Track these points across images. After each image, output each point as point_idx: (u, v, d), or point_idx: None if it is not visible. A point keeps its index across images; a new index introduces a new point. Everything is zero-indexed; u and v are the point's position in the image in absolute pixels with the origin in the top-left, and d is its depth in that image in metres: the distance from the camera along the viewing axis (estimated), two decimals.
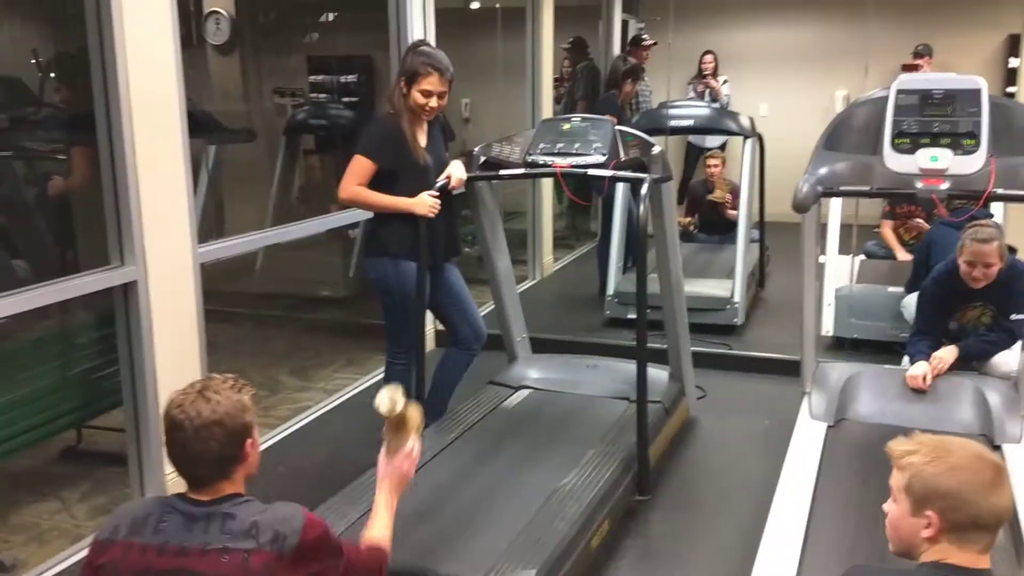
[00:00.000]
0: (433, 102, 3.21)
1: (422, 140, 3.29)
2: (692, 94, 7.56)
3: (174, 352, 3.18)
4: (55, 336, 3.66)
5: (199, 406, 1.68)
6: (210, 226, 5.45)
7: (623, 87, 5.59)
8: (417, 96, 3.20)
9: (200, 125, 5.39)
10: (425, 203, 3.22)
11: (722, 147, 7.39)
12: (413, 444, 2.10)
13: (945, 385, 3.43)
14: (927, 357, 3.48)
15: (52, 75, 4.40)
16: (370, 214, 3.39)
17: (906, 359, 3.67)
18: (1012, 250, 3.71)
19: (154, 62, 3.03)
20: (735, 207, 5.89)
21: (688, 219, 6.51)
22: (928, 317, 3.68)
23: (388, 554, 1.99)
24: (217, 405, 1.68)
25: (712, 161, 6.44)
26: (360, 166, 3.20)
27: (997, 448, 3.14)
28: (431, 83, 3.18)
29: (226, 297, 5.65)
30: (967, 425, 3.21)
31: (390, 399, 2.00)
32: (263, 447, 3.68)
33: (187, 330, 3.27)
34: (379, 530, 2.02)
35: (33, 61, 4.59)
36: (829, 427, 3.32)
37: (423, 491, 2.91)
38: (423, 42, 3.36)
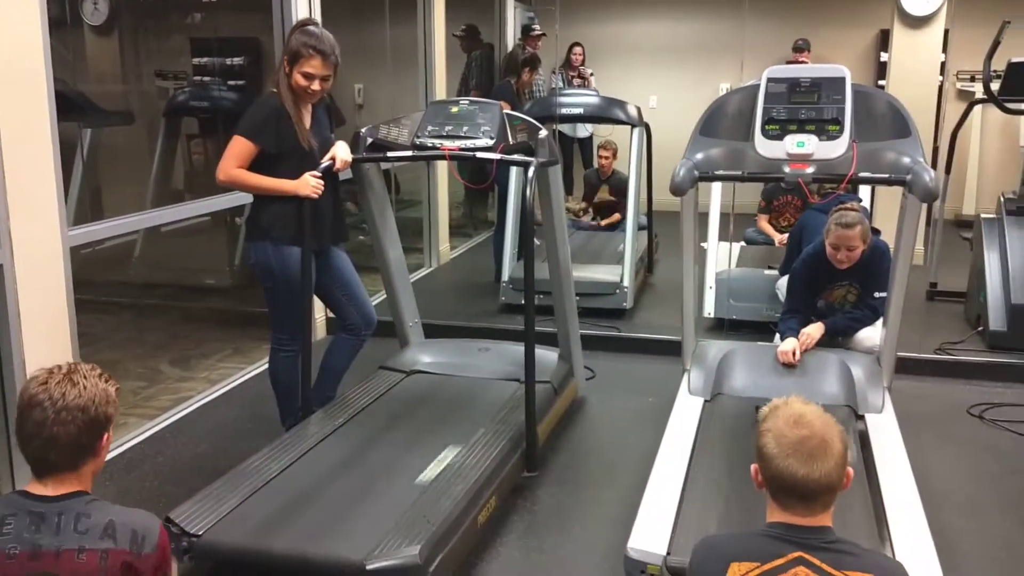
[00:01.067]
0: (315, 85, 3.15)
1: (307, 122, 3.24)
2: (559, 83, 7.66)
3: (43, 339, 3.04)
4: None
5: (65, 388, 1.63)
6: (85, 210, 5.20)
7: (521, 75, 5.64)
8: (299, 78, 3.13)
9: (74, 107, 5.16)
10: (308, 184, 3.16)
11: (590, 138, 7.56)
12: None
13: (813, 360, 3.62)
14: (796, 334, 3.66)
15: None
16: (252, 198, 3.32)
17: (778, 336, 3.86)
18: (876, 231, 3.95)
19: (19, 40, 2.89)
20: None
21: (580, 205, 6.65)
22: (798, 296, 3.88)
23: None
24: (84, 390, 1.64)
25: (604, 152, 6.58)
26: (240, 147, 3.12)
27: (861, 418, 3.34)
28: (313, 66, 3.12)
29: (103, 286, 5.44)
30: (833, 397, 3.40)
31: None
32: (143, 438, 3.64)
33: (57, 316, 3.12)
34: None
35: None
36: (706, 402, 3.46)
37: (309, 475, 2.89)
38: (310, 21, 3.28)
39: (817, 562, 1.52)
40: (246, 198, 3.45)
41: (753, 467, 1.68)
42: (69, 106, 3.56)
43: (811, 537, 1.57)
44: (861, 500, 2.70)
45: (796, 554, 1.52)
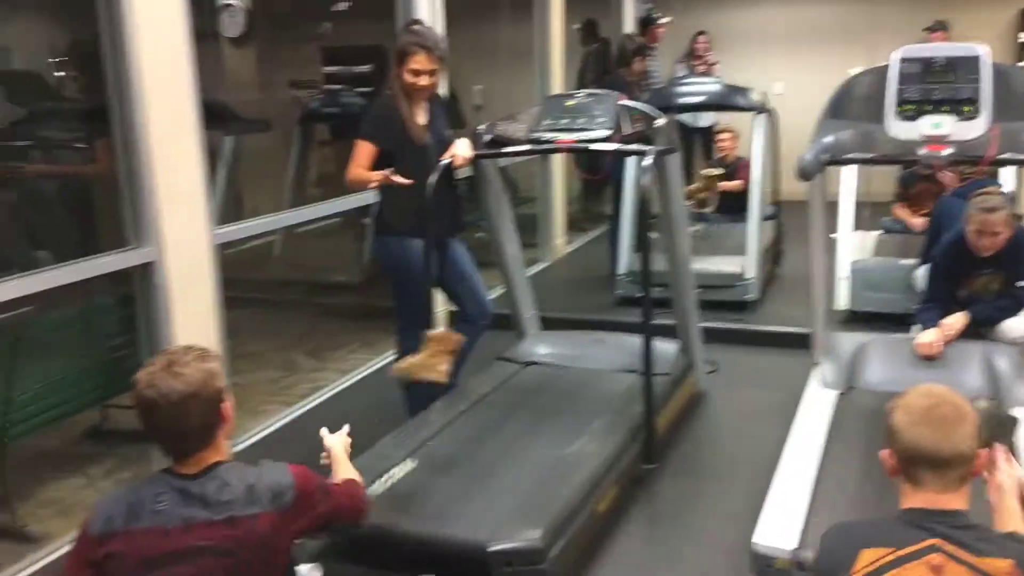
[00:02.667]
0: (423, 80, 3.25)
1: (421, 119, 3.34)
2: (683, 72, 7.52)
3: (193, 330, 3.26)
4: (78, 319, 3.77)
5: (170, 383, 1.65)
6: (228, 212, 5.55)
7: (631, 65, 5.60)
8: (407, 75, 3.25)
9: (216, 116, 5.50)
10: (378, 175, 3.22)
11: (711, 127, 7.38)
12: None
13: (954, 352, 3.43)
14: (936, 324, 3.48)
15: (68, 68, 4.51)
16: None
17: (917, 327, 3.68)
18: (1019, 218, 3.70)
19: (166, 54, 3.11)
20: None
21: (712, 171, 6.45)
22: (938, 285, 3.69)
23: (363, 485, 2.11)
24: (188, 378, 1.67)
25: (723, 136, 6.41)
26: (360, 149, 3.27)
27: None
28: (419, 62, 3.23)
29: (246, 284, 5.76)
30: (975, 390, 3.20)
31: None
32: (282, 423, 3.85)
33: (205, 309, 3.35)
34: (347, 471, 2.12)
35: (50, 58, 4.71)
36: (839, 395, 3.34)
37: (433, 460, 2.98)
38: (415, 21, 3.41)
39: (952, 548, 1.47)
40: (373, 197, 3.59)
41: (884, 452, 1.64)
42: (211, 115, 3.81)
43: (946, 521, 1.51)
44: None
45: (931, 541, 1.48)
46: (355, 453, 3.01)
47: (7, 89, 4.42)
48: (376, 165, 3.28)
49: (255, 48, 6.83)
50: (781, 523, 2.45)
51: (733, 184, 6.14)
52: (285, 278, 5.98)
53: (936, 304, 3.63)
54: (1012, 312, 3.58)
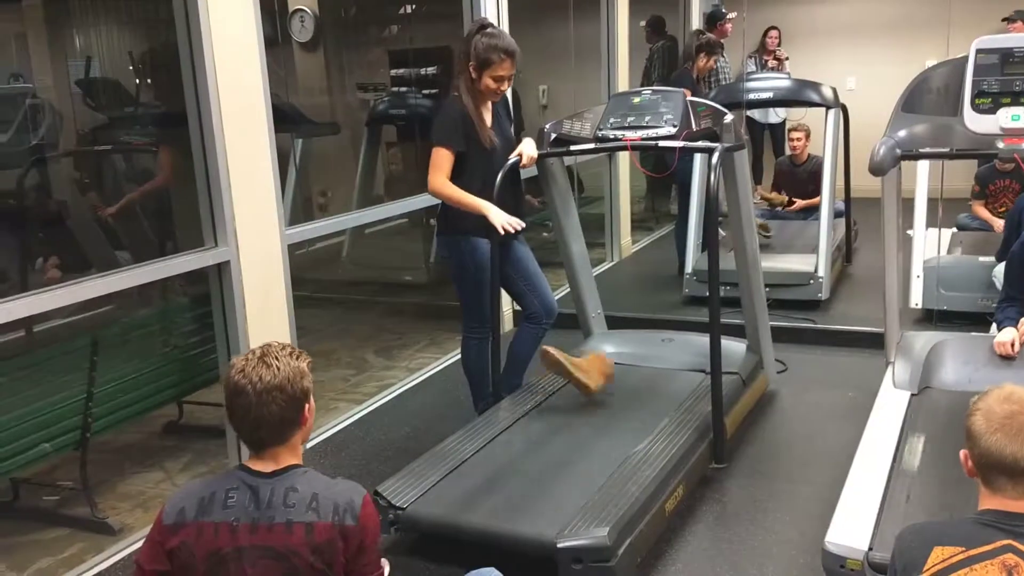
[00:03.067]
0: (504, 86, 3.28)
1: (488, 120, 3.37)
2: (753, 67, 7.40)
3: (266, 327, 3.35)
4: (158, 317, 3.92)
5: (260, 371, 1.71)
6: (298, 214, 5.68)
7: (697, 62, 5.54)
8: (489, 82, 3.25)
9: (287, 119, 5.65)
10: (499, 218, 3.21)
11: (782, 124, 7.23)
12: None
13: None
14: (1015, 323, 3.36)
15: (146, 76, 4.69)
16: None
17: (994, 326, 3.55)
18: None
19: (241, 60, 3.20)
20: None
21: (779, 197, 6.40)
22: (1016, 282, 3.55)
23: None
24: (278, 371, 1.72)
25: (795, 135, 6.30)
26: (439, 157, 3.27)
27: None
28: (504, 69, 3.24)
29: (316, 284, 5.92)
30: None
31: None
32: (351, 420, 3.93)
33: (278, 306, 3.44)
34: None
35: (130, 66, 4.90)
36: (912, 395, 3.25)
37: (501, 457, 3.01)
38: (487, 23, 3.41)
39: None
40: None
41: (963, 452, 1.61)
42: (282, 117, 3.92)
43: (1022, 524, 1.47)
44: None
45: (1005, 541, 1.45)
46: (423, 449, 3.10)
47: (89, 96, 4.62)
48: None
49: (324, 52, 6.97)
50: (853, 524, 2.40)
51: (811, 202, 6.08)
52: (354, 278, 6.09)
53: (1014, 302, 3.50)
54: None
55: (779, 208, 6.37)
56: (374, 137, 6.36)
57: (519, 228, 3.24)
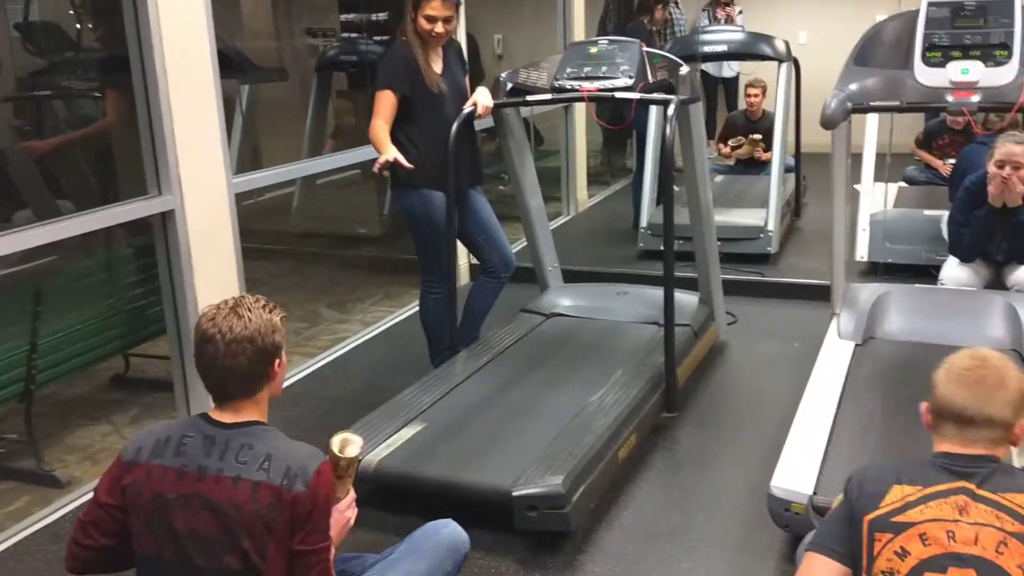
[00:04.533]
0: (439, 27, 3.21)
1: (436, 67, 3.31)
2: (705, 21, 7.40)
3: (213, 278, 3.29)
4: (102, 268, 3.81)
5: (231, 321, 1.68)
6: (246, 162, 5.55)
7: (653, 13, 5.50)
8: (422, 22, 3.20)
9: (233, 64, 5.47)
10: (388, 155, 3.16)
11: (735, 78, 7.24)
12: (351, 495, 1.91)
13: (976, 301, 3.42)
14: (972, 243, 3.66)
15: (88, 20, 4.50)
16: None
17: (941, 276, 3.68)
18: None
19: (184, 2, 3.09)
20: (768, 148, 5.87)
21: (734, 143, 6.39)
22: (968, 211, 3.70)
23: None
24: (249, 322, 1.68)
25: (752, 90, 6.33)
26: (383, 101, 3.23)
27: None
28: (434, 8, 3.18)
29: (266, 235, 5.80)
30: (998, 341, 3.21)
31: (341, 441, 1.83)
32: (305, 374, 3.89)
33: (225, 257, 3.38)
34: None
35: (71, 9, 4.69)
36: (857, 345, 3.35)
37: (458, 409, 3.02)
38: None
39: (977, 489, 1.50)
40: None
41: (923, 404, 1.65)
42: (228, 63, 3.79)
43: (973, 466, 1.53)
44: None
45: (959, 484, 1.51)
46: (379, 402, 3.09)
47: (28, 40, 4.41)
48: (397, 115, 3.26)
49: None
50: (798, 469, 2.48)
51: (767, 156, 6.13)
52: (306, 230, 6.00)
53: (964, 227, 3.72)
54: None
55: (756, 152, 6.34)
56: (324, 84, 6.21)
57: (392, 161, 3.15)
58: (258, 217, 5.86)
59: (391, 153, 3.18)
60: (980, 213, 3.64)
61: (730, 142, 6.40)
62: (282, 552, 1.63)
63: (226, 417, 1.71)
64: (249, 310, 1.71)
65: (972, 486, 1.50)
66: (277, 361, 1.75)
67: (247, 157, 5.91)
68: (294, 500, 1.62)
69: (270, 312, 1.74)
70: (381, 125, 3.24)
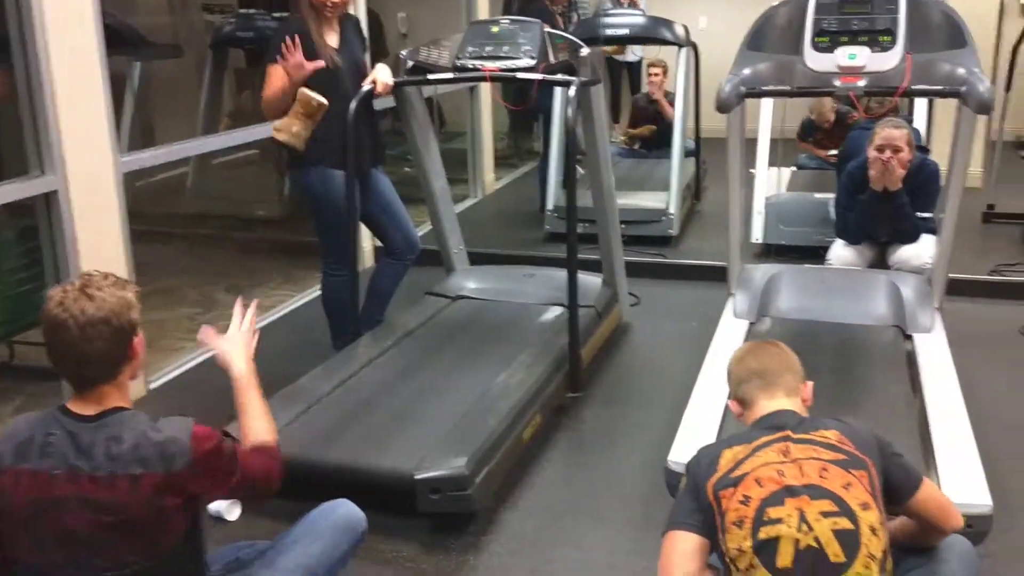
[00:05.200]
0: None
1: (332, 41, 3.23)
2: (609, 4, 7.48)
3: (100, 263, 3.05)
4: None
5: (83, 304, 1.58)
6: (137, 141, 5.32)
7: None
8: None
9: (123, 40, 5.22)
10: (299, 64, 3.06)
11: (639, 62, 7.35)
12: (250, 319, 1.98)
13: (861, 280, 3.57)
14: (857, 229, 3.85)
15: None
16: None
17: (828, 257, 3.83)
18: (924, 149, 3.86)
19: None
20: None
21: (642, 130, 6.49)
22: (851, 195, 3.86)
23: (279, 449, 1.90)
24: (102, 302, 1.59)
25: (654, 69, 6.42)
26: (274, 75, 3.13)
27: (909, 338, 3.30)
28: None
29: (158, 218, 5.58)
30: (882, 317, 3.37)
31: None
32: (197, 362, 3.76)
33: (112, 240, 3.23)
34: (261, 429, 1.90)
35: None
36: (751, 324, 3.45)
37: (360, 393, 2.98)
38: None
39: (793, 434, 1.72)
40: None
41: (731, 401, 1.93)
42: (118, 39, 3.59)
43: (783, 419, 1.76)
44: (906, 417, 2.69)
45: (781, 433, 1.72)
46: (279, 387, 3.01)
47: None
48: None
49: None
50: (692, 444, 2.52)
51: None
52: (201, 211, 5.79)
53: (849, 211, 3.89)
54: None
55: (645, 136, 6.45)
56: (220, 61, 6.00)
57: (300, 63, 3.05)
58: (150, 198, 5.64)
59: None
60: (863, 197, 3.80)
61: (627, 131, 6.52)
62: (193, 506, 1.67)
63: (88, 408, 1.62)
64: (100, 289, 1.62)
65: (789, 432, 1.71)
66: (136, 339, 1.67)
67: (138, 136, 5.68)
68: (181, 478, 1.59)
69: (123, 288, 1.66)
70: (273, 89, 3.14)
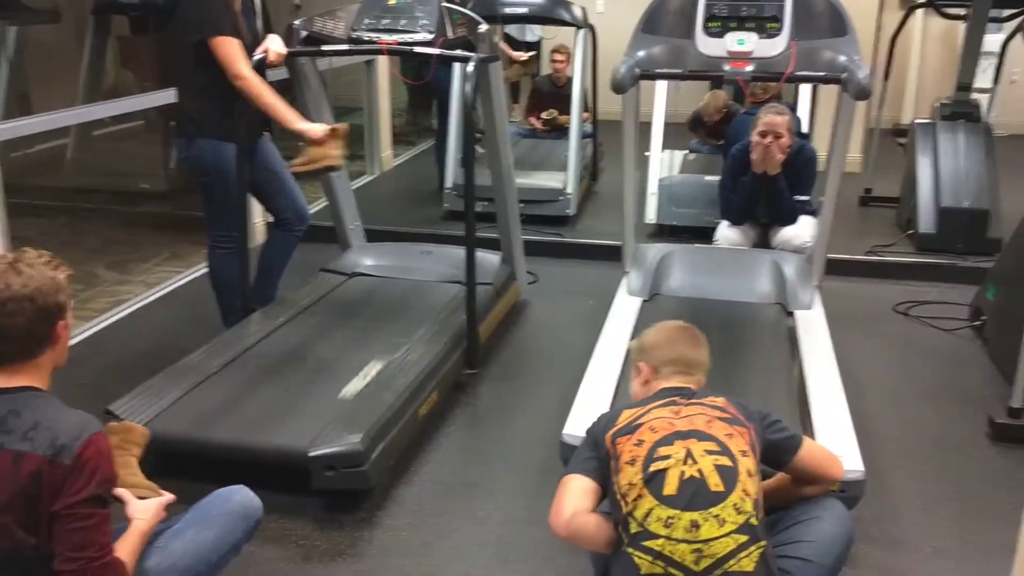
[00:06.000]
0: None
1: (236, 5, 3.13)
2: None
3: None
4: None
5: (9, 278, 1.58)
6: (13, 109, 5.00)
7: None
8: None
9: None
10: (317, 132, 3.10)
11: (539, 43, 7.38)
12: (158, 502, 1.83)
13: (746, 259, 3.71)
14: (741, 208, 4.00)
15: None
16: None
17: (715, 237, 3.96)
18: (804, 136, 4.03)
19: None
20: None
21: (564, 118, 6.49)
22: (735, 177, 4.00)
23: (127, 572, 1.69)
24: (30, 279, 1.58)
25: (558, 56, 6.43)
26: (231, 46, 3.02)
27: (790, 314, 3.45)
28: None
29: (36, 190, 5.29)
30: (765, 295, 3.51)
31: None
32: (79, 339, 3.59)
33: None
34: (128, 553, 1.71)
35: None
36: (644, 301, 3.54)
37: (251, 371, 2.91)
38: None
39: (684, 400, 1.91)
40: (174, 96, 3.33)
41: (641, 364, 2.08)
42: None
43: (678, 393, 1.95)
44: (787, 388, 2.82)
45: (672, 398, 1.93)
46: (165, 366, 2.90)
47: None
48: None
49: None
50: (587, 418, 2.57)
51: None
52: (81, 184, 5.50)
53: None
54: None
55: (564, 125, 6.45)
56: (102, 27, 5.69)
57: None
58: (28, 170, 5.33)
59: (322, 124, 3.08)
60: (745, 179, 3.95)
61: (542, 115, 6.49)
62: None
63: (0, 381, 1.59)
64: (30, 266, 1.60)
65: (680, 399, 1.93)
66: (61, 323, 1.64)
67: (14, 104, 5.35)
68: (57, 472, 1.53)
69: (54, 269, 1.64)
70: (267, 87, 3.04)
